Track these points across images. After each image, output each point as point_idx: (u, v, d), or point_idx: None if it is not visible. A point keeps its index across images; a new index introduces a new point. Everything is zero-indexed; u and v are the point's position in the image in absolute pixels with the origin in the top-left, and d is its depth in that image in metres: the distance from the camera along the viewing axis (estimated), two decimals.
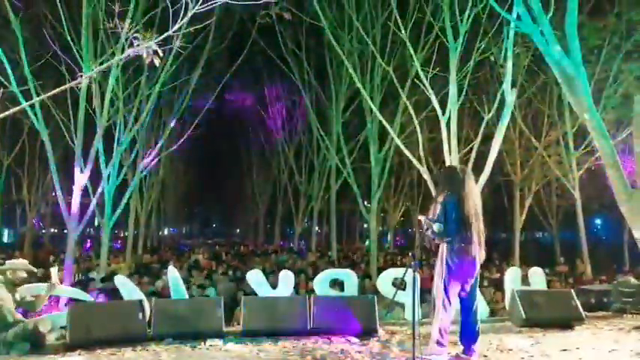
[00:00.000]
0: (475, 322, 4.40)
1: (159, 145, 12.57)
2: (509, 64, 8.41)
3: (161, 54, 4.12)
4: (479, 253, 4.32)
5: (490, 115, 9.24)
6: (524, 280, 6.42)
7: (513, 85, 8.91)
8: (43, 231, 27.38)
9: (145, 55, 3.98)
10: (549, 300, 6.03)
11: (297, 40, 15.97)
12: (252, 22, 12.96)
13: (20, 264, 5.25)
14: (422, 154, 9.99)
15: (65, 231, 9.86)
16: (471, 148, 9.45)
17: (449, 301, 4.32)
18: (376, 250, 14.13)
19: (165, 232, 39.48)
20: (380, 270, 9.35)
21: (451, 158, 8.90)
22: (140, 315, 5.17)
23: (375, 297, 5.74)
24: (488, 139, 9.18)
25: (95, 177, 9.74)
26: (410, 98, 11.26)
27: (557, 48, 6.16)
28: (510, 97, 8.40)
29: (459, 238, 4.25)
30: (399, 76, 11.05)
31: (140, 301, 5.33)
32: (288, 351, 4.78)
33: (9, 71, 8.24)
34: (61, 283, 5.94)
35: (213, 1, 4.15)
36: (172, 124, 13.53)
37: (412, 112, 10.15)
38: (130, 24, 8.04)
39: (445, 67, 9.34)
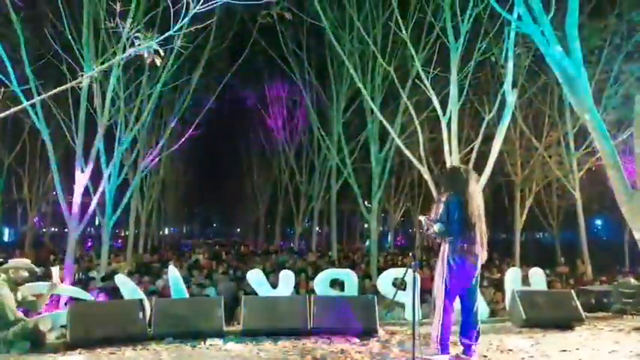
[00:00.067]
0: (475, 322, 4.40)
1: (160, 144, 12.57)
2: (510, 64, 8.41)
3: (162, 53, 4.13)
4: (481, 254, 4.32)
5: (491, 115, 9.25)
6: (525, 280, 6.42)
7: (514, 85, 8.91)
8: (44, 230, 27.41)
9: (146, 55, 3.99)
10: (549, 300, 6.02)
11: (297, 40, 15.97)
12: (253, 22, 12.96)
13: (22, 263, 5.27)
14: (422, 154, 9.99)
15: (66, 230, 9.86)
16: (472, 149, 9.45)
17: (450, 301, 4.32)
18: (376, 250, 14.12)
19: (166, 231, 39.48)
20: (380, 270, 9.35)
21: (452, 158, 8.90)
22: (140, 314, 5.18)
23: (375, 297, 5.75)
24: (488, 139, 9.18)
25: (96, 176, 9.74)
26: (411, 98, 11.26)
27: (558, 48, 6.16)
28: (511, 97, 8.40)
29: (461, 239, 4.24)
30: (400, 76, 11.05)
31: (140, 301, 5.34)
32: (288, 351, 4.78)
33: (10, 70, 8.23)
34: (62, 282, 5.94)
35: (214, 1, 4.16)
36: (173, 124, 13.54)
37: (413, 112, 10.16)
38: (131, 23, 8.02)
39: (446, 68, 9.34)
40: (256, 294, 5.85)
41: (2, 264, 5.43)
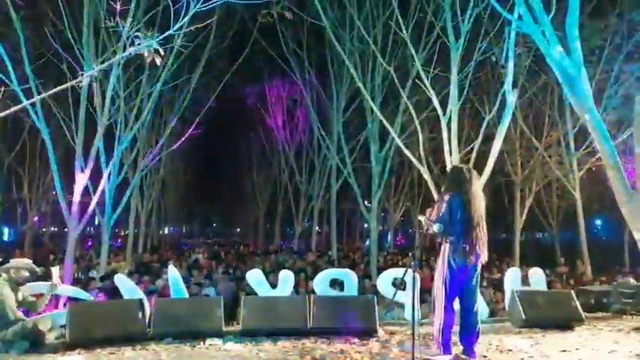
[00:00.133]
0: (475, 322, 4.39)
1: (159, 143, 12.57)
2: (511, 64, 8.41)
3: (162, 53, 4.12)
4: (482, 255, 4.32)
5: (491, 115, 9.25)
6: (524, 280, 6.42)
7: (514, 85, 8.91)
8: (44, 230, 27.40)
9: (146, 54, 3.99)
10: (549, 300, 6.02)
11: (298, 40, 15.97)
12: (253, 22, 12.94)
13: (23, 263, 5.26)
14: (422, 154, 9.99)
15: (65, 230, 9.86)
16: (472, 149, 9.45)
17: (450, 301, 4.32)
18: (376, 250, 14.12)
19: (166, 231, 39.49)
20: (380, 270, 9.36)
21: (452, 158, 8.90)
22: (140, 314, 5.17)
23: (375, 297, 5.74)
24: (488, 139, 9.19)
25: (96, 176, 9.74)
26: (411, 98, 11.26)
27: (558, 48, 6.15)
28: (511, 97, 8.39)
29: (464, 239, 4.23)
30: (400, 75, 11.04)
31: (140, 301, 5.33)
32: (287, 351, 4.78)
33: (10, 69, 8.23)
34: (62, 282, 5.93)
35: (214, 1, 4.15)
36: (173, 123, 13.54)
37: (413, 112, 10.15)
38: (131, 23, 8.03)
39: (446, 67, 9.33)
40: (256, 294, 5.84)
41: (3, 263, 5.43)
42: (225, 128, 25.64)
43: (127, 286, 5.71)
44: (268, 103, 21.27)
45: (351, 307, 5.53)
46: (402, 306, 6.19)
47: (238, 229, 48.18)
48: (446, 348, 4.31)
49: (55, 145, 9.59)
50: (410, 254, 14.03)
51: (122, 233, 29.40)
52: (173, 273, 5.86)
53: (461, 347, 4.44)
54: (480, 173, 8.22)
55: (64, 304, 7.00)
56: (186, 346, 4.88)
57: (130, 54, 4.11)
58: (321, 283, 5.98)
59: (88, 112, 9.29)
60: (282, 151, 21.89)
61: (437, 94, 9.33)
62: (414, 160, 9.93)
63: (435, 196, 7.82)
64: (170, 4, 4.36)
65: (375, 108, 11.44)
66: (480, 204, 4.34)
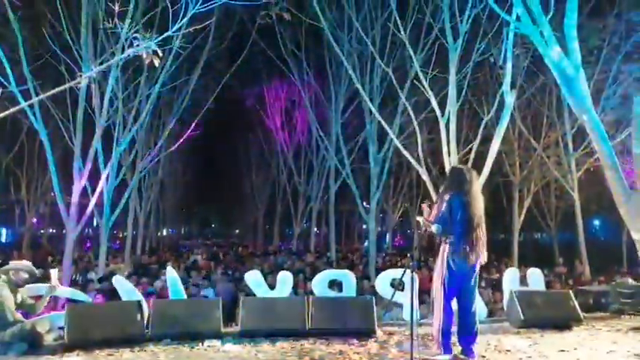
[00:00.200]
0: (474, 322, 4.39)
1: (158, 145, 12.56)
2: (509, 65, 8.42)
3: (161, 54, 4.13)
4: (481, 255, 4.32)
5: (489, 116, 9.27)
6: (523, 280, 6.42)
7: (513, 86, 8.92)
8: (42, 231, 27.35)
9: (144, 55, 3.99)
10: (547, 301, 6.02)
11: (296, 41, 15.96)
12: (252, 23, 12.97)
13: (23, 265, 5.25)
14: (421, 154, 10.01)
15: (64, 231, 9.85)
16: (470, 149, 9.46)
17: (449, 302, 4.32)
18: (375, 250, 14.12)
19: (164, 232, 39.38)
20: (378, 271, 9.35)
21: (450, 159, 8.91)
22: (138, 315, 5.16)
23: (374, 298, 5.74)
24: (487, 139, 9.20)
25: (94, 177, 9.74)
26: (409, 99, 11.28)
27: (556, 49, 6.16)
28: (510, 98, 8.41)
29: (463, 239, 4.23)
30: (399, 76, 11.07)
31: (138, 302, 5.32)
32: (286, 352, 4.77)
33: (8, 70, 8.23)
34: (61, 284, 5.92)
35: (212, 2, 4.16)
36: (172, 125, 13.53)
37: (411, 112, 10.17)
38: (129, 24, 8.04)
39: (444, 68, 9.35)
40: (255, 295, 5.84)
41: (2, 265, 5.42)
42: (223, 129, 25.63)
43: (125, 287, 5.70)
44: (267, 104, 21.29)
45: (350, 308, 5.53)
46: (400, 306, 6.19)
47: (237, 230, 48.17)
48: (446, 348, 4.31)
49: (54, 146, 9.59)
50: (408, 255, 14.01)
51: (120, 235, 29.35)
52: (171, 274, 5.85)
53: (459, 347, 4.44)
54: (479, 174, 8.25)
55: (63, 306, 6.99)
56: (184, 348, 4.87)
57: (129, 55, 4.12)
58: (319, 284, 5.98)
59: (86, 113, 9.29)
60: (280, 152, 21.91)
61: (435, 95, 9.35)
62: (412, 160, 9.94)
63: (434, 197, 7.84)
64: (169, 5, 4.36)
65: (373, 109, 11.45)
66: (479, 204, 4.35)
